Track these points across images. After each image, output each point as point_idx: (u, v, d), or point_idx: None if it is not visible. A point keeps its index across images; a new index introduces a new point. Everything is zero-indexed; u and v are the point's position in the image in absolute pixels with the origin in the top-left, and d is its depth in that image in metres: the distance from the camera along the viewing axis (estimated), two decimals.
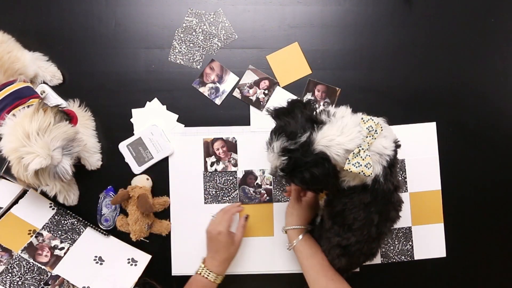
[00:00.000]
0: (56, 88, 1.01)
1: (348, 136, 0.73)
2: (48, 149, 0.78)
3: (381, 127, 0.75)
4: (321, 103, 1.04)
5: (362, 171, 0.72)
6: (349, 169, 0.73)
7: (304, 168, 0.74)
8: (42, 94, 0.99)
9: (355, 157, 0.73)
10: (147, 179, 0.99)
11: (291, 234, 0.93)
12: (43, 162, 0.77)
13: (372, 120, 0.75)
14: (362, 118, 0.76)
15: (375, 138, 0.75)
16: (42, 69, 0.99)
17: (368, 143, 0.74)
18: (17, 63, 0.92)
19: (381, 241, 0.84)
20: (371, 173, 0.73)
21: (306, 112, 0.77)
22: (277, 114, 0.80)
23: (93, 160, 0.98)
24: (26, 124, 0.78)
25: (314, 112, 0.78)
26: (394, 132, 0.82)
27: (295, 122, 0.75)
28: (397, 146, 0.80)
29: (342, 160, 0.73)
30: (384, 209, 0.80)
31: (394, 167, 0.79)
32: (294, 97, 0.96)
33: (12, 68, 0.91)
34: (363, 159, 0.73)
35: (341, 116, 0.76)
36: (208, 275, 0.91)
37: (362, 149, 0.73)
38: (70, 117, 0.88)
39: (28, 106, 0.87)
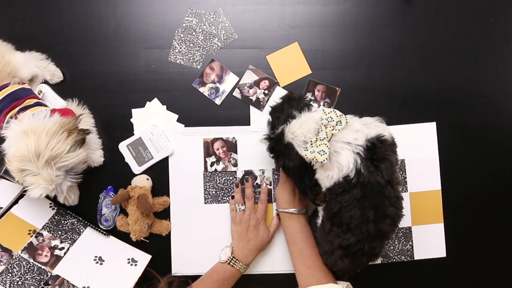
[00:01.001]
0: (56, 88, 1.01)
1: (305, 128, 0.82)
2: (51, 181, 0.79)
3: (346, 120, 0.81)
4: (321, 103, 1.04)
5: (315, 157, 0.79)
6: (305, 155, 0.80)
7: (280, 154, 0.87)
8: (39, 94, 0.98)
9: (311, 146, 0.80)
10: (147, 179, 0.99)
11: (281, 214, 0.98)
12: (43, 193, 0.80)
13: (335, 112, 0.81)
14: (323, 110, 0.82)
15: (338, 130, 0.80)
16: (41, 68, 0.99)
17: (327, 133, 0.80)
18: (8, 66, 0.91)
19: (384, 241, 0.83)
20: (324, 160, 0.79)
21: (288, 109, 0.87)
22: (272, 111, 0.91)
23: (96, 156, 0.98)
24: (42, 142, 0.78)
25: (305, 107, 0.86)
26: (383, 128, 0.84)
27: (282, 116, 0.86)
28: (381, 141, 0.81)
29: (302, 151, 0.82)
30: (378, 204, 0.79)
31: (380, 160, 0.79)
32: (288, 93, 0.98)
33: (4, 71, 0.91)
34: (317, 147, 0.79)
35: (313, 110, 0.86)
36: (234, 264, 0.93)
37: (319, 138, 0.80)
38: (88, 132, 0.89)
39: (26, 107, 0.87)
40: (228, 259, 0.94)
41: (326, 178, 0.83)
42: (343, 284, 0.88)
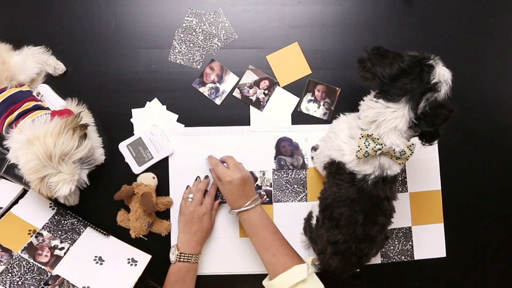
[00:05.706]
0: (56, 88, 1.01)
1: (397, 138, 0.77)
2: (74, 173, 0.81)
3: (405, 162, 0.79)
4: (321, 103, 1.04)
5: (359, 148, 0.77)
6: (361, 134, 0.78)
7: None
8: (38, 96, 0.98)
9: (372, 140, 0.77)
10: (153, 177, 0.99)
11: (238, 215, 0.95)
12: (72, 187, 0.81)
13: (411, 151, 0.78)
14: (412, 144, 0.78)
15: (391, 157, 0.79)
16: (42, 63, 0.98)
17: (388, 152, 0.77)
18: (6, 71, 0.91)
19: (373, 244, 0.84)
20: (359, 157, 0.78)
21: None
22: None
23: (97, 154, 0.98)
24: (49, 144, 0.78)
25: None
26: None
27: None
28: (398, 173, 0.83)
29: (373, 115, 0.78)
30: (370, 212, 0.81)
31: (388, 181, 0.81)
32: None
33: (1, 76, 0.90)
34: (372, 149, 0.76)
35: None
36: (185, 259, 0.93)
37: (380, 149, 0.76)
38: (87, 126, 0.89)
39: (25, 111, 0.87)
40: (177, 258, 0.94)
41: (337, 150, 0.82)
42: (308, 260, 0.89)
